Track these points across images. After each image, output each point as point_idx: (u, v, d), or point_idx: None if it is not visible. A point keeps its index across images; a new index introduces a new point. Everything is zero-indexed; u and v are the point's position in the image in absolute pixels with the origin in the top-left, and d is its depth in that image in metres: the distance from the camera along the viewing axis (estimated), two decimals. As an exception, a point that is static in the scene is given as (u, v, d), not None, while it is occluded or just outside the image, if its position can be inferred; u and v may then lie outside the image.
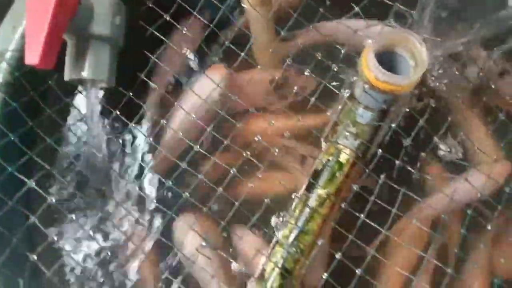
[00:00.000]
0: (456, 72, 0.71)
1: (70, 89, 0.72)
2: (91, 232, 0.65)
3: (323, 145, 0.74)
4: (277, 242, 0.68)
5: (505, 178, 0.73)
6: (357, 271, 0.59)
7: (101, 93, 0.69)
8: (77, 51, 0.64)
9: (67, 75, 0.65)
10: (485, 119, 0.79)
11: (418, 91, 0.73)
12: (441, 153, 0.80)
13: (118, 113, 0.69)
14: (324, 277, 0.59)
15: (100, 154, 0.67)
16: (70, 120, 0.72)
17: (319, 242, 0.67)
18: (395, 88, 0.63)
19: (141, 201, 0.69)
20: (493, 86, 0.77)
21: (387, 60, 0.67)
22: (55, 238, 0.58)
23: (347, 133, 0.72)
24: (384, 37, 0.65)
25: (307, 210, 0.69)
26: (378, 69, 0.62)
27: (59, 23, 0.57)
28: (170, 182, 0.62)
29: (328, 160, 0.72)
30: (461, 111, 0.76)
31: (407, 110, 0.69)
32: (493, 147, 0.78)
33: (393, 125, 0.69)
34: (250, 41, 0.73)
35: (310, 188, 0.71)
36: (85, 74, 0.64)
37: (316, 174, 0.71)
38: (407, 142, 0.69)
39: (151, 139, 0.70)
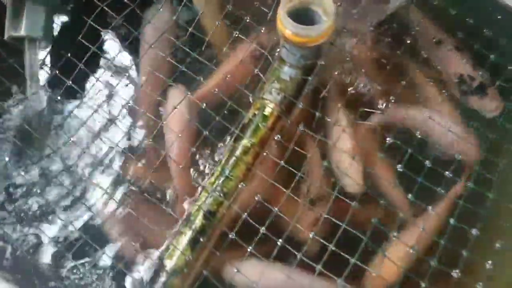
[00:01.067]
0: (371, 28, 0.76)
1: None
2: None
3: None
4: (203, 188, 0.73)
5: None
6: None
7: (41, 52, 0.74)
8: (14, 10, 0.70)
9: (6, 33, 0.71)
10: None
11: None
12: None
13: (57, 72, 0.76)
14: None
15: (39, 109, 0.73)
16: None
17: (241, 185, 0.72)
18: (306, 40, 0.69)
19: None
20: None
21: (306, 19, 0.73)
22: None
23: (272, 89, 0.77)
24: (296, -6, 0.70)
25: (233, 158, 0.74)
26: (289, 22, 0.68)
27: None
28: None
29: (254, 114, 0.77)
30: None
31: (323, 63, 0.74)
32: None
33: (310, 78, 0.74)
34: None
35: (237, 139, 0.76)
36: (21, 31, 0.70)
37: (243, 127, 0.77)
38: (324, 93, 0.74)
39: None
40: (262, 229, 0.66)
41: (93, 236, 0.72)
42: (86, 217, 0.74)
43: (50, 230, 0.74)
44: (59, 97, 0.74)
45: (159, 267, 0.68)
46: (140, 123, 0.79)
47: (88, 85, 0.79)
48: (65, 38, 0.78)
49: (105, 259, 0.71)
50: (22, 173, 0.70)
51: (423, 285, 0.62)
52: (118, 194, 0.73)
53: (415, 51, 0.81)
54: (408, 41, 0.78)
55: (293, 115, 0.77)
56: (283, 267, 0.69)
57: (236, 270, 0.67)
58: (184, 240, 0.69)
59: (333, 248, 0.63)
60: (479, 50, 0.78)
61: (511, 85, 0.78)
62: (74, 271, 0.71)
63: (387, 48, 0.81)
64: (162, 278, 0.67)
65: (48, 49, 0.77)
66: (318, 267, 0.63)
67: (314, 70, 0.76)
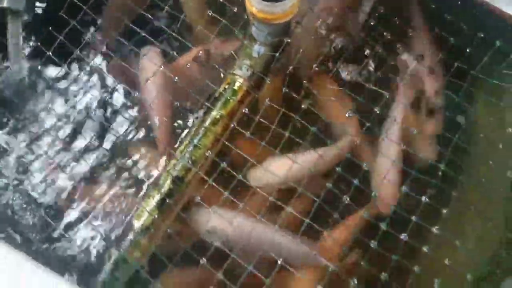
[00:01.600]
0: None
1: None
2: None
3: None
4: (172, 155, 0.78)
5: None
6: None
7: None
8: (-3, -17, 0.74)
9: (-12, 5, 0.75)
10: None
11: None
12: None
13: (39, 44, 0.80)
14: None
15: (19, 77, 0.77)
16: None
17: (208, 154, 0.76)
18: (271, 16, 0.73)
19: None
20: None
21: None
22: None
23: (242, 65, 0.82)
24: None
25: (202, 129, 0.78)
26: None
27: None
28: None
29: (225, 88, 0.81)
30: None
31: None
32: None
33: (277, 54, 0.79)
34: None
35: (207, 112, 0.80)
36: (4, 3, 0.74)
37: (214, 101, 0.81)
38: (290, 69, 0.79)
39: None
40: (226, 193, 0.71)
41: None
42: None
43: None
44: (39, 67, 0.79)
45: (127, 227, 0.72)
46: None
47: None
48: (47, 13, 0.82)
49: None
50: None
51: (372, 245, 0.67)
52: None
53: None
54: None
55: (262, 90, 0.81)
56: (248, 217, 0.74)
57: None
58: (152, 202, 0.74)
59: (290, 210, 0.69)
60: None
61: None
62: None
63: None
64: (130, 237, 0.71)
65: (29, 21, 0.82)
66: (276, 226, 0.69)
67: (281, 47, 0.80)
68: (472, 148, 0.77)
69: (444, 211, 0.69)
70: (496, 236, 0.76)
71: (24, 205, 0.77)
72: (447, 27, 0.82)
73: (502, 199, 0.77)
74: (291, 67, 0.79)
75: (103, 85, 0.83)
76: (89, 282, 0.69)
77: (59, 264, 0.72)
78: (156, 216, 0.72)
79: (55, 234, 0.76)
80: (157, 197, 0.74)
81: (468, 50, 0.80)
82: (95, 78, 0.83)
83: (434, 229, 0.68)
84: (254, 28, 0.79)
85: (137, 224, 0.72)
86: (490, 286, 0.74)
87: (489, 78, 0.79)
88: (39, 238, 0.75)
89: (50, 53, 0.78)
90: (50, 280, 0.63)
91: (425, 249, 0.67)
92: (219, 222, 0.73)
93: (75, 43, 0.79)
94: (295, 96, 0.78)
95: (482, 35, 0.80)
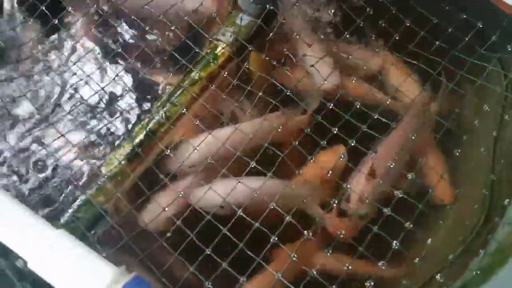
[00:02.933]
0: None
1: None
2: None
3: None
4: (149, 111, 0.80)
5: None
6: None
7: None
8: None
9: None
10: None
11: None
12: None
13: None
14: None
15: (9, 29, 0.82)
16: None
17: (184, 111, 0.78)
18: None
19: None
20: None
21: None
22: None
23: (226, 31, 0.84)
24: None
25: (180, 88, 0.80)
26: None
27: None
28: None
29: (207, 52, 0.83)
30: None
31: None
32: None
33: (259, 21, 0.80)
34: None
35: (187, 74, 0.82)
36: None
37: (196, 63, 0.83)
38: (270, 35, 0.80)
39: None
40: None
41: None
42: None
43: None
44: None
45: (96, 172, 0.73)
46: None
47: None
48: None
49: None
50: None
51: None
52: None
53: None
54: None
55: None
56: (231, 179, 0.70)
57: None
58: (123, 152, 0.75)
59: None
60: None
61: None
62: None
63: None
64: (98, 182, 0.72)
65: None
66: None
67: (263, 15, 0.82)
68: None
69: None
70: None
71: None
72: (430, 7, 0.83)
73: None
74: (271, 34, 0.80)
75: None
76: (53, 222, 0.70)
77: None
78: (123, 163, 0.73)
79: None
80: (128, 147, 0.75)
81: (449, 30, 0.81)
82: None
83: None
84: (240, -1, 0.82)
85: (105, 171, 0.74)
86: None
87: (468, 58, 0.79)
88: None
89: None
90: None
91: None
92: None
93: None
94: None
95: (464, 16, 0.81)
